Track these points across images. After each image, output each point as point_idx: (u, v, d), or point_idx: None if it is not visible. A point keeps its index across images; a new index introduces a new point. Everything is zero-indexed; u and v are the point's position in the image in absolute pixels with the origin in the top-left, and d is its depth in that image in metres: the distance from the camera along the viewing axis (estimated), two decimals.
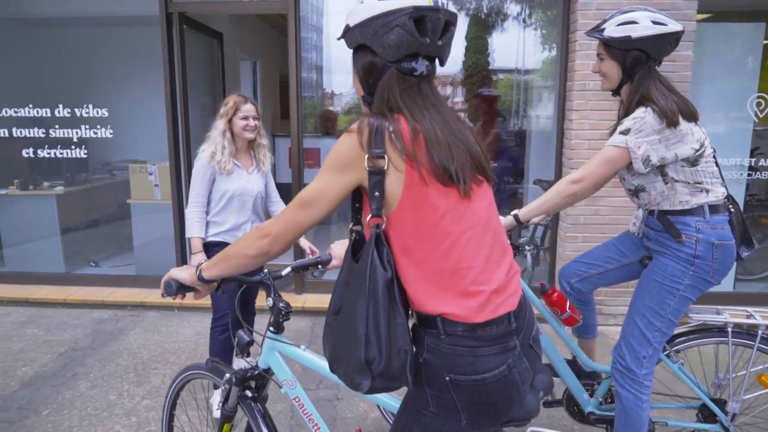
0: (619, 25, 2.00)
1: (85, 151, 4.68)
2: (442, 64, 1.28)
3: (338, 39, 1.30)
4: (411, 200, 1.16)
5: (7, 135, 4.66)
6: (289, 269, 1.82)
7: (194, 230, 2.70)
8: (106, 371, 3.41)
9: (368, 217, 1.20)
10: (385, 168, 1.15)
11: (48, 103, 4.57)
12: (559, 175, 4.36)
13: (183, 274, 1.54)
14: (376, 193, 1.16)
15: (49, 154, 4.67)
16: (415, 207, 1.16)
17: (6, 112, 4.61)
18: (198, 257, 2.66)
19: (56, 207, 4.96)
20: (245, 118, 2.67)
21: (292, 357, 1.81)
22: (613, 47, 2.03)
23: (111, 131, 4.59)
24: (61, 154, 4.66)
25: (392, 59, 1.19)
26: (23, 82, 4.77)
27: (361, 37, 1.21)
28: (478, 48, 4.96)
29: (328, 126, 5.45)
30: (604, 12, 3.78)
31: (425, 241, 1.17)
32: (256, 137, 2.78)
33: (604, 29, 2.04)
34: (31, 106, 4.59)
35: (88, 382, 3.26)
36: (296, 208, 1.24)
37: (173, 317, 4.34)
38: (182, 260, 4.67)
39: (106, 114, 4.56)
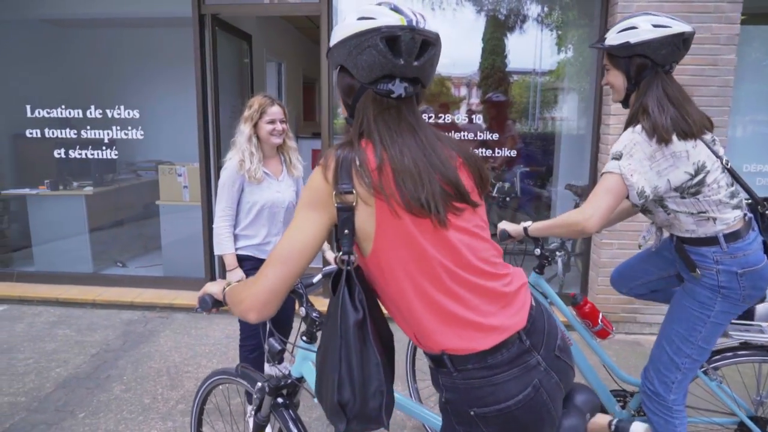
0: (619, 32, 1.88)
1: (116, 152, 4.69)
2: (423, 85, 1.21)
3: (326, 57, 1.26)
4: (388, 234, 1.10)
5: (39, 135, 4.69)
6: (320, 276, 1.85)
7: (226, 246, 2.54)
8: (139, 374, 3.40)
9: (338, 254, 1.14)
10: (354, 204, 1.09)
11: (80, 104, 4.59)
12: (593, 181, 4.28)
13: (216, 288, 1.53)
14: (346, 231, 1.10)
15: (80, 155, 4.69)
16: (393, 241, 1.10)
17: (38, 113, 4.64)
18: (235, 273, 2.53)
19: (85, 207, 4.98)
20: (272, 121, 2.47)
21: None
22: (615, 56, 1.91)
23: (142, 132, 4.60)
24: (92, 155, 4.68)
25: (367, 81, 1.14)
26: (56, 83, 4.81)
27: (339, 58, 1.17)
28: (494, 49, 4.88)
29: None
30: None
31: (411, 275, 1.11)
32: (285, 140, 2.59)
33: (605, 39, 1.94)
34: (63, 107, 4.61)
35: (122, 385, 3.25)
36: (273, 265, 1.15)
37: (202, 319, 4.33)
38: (210, 263, 4.66)
39: (138, 115, 4.57)
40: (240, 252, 2.58)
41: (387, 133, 1.14)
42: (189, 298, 4.53)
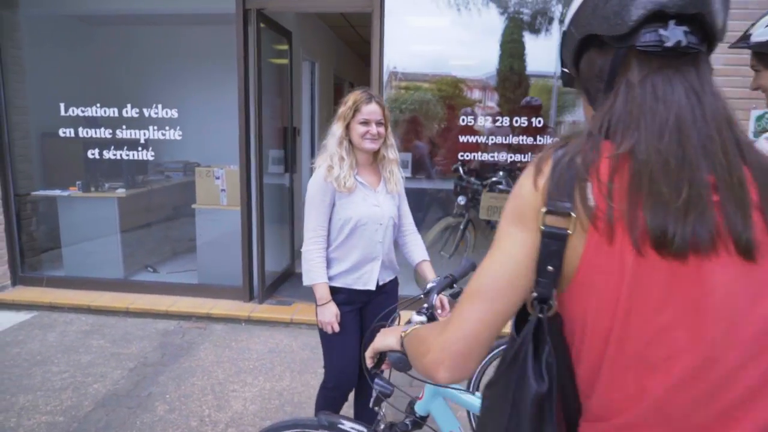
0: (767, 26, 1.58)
1: (152, 153, 4.48)
2: (714, 33, 0.77)
3: (562, 69, 0.91)
4: (590, 267, 0.76)
5: (72, 135, 4.49)
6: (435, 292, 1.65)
7: (317, 274, 2.10)
8: (182, 392, 3.17)
9: (531, 297, 0.80)
10: (570, 231, 0.75)
11: (116, 102, 4.39)
12: None
13: (391, 340, 1.16)
14: (550, 267, 0.77)
15: (114, 155, 4.48)
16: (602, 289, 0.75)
17: (72, 111, 4.44)
18: (328, 309, 2.11)
19: (117, 210, 4.78)
20: (365, 122, 2.04)
21: (463, 404, 1.54)
22: (766, 54, 1.61)
23: (180, 133, 4.38)
24: (127, 155, 4.47)
25: (625, 30, 0.76)
26: (92, 81, 4.63)
27: (580, 30, 0.83)
28: (515, 52, 4.62)
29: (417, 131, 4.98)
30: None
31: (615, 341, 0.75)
32: (381, 149, 2.14)
33: (750, 35, 1.64)
34: (98, 105, 4.41)
35: (165, 405, 3.02)
36: (473, 301, 0.82)
37: (241, 331, 4.10)
38: (249, 271, 4.43)
39: (176, 115, 4.36)
40: (333, 283, 2.15)
41: (642, 113, 0.75)
42: (226, 307, 4.31)
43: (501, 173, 4.45)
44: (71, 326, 4.11)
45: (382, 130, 2.09)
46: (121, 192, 4.73)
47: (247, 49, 4.16)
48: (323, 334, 2.19)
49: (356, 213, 2.09)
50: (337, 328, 2.13)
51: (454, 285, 1.67)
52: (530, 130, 4.27)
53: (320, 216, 2.10)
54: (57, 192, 4.75)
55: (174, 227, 5.32)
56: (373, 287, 2.18)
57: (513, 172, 4.47)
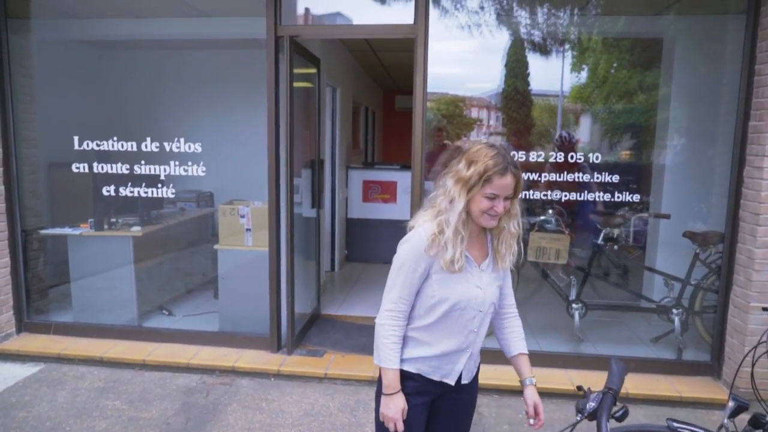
0: None
1: (173, 191, 4.13)
2: None
3: None
4: None
5: (86, 170, 4.15)
6: None
7: (390, 358, 1.71)
8: None
9: None
10: None
11: (135, 136, 4.06)
12: (734, 232, 3.65)
13: None
14: None
15: (131, 192, 4.13)
16: None
17: (87, 145, 4.11)
18: (394, 401, 1.71)
19: (132, 249, 4.42)
20: (493, 197, 1.63)
21: None
22: None
23: (204, 168, 4.04)
24: (145, 192, 4.13)
25: None
26: (108, 112, 4.32)
27: None
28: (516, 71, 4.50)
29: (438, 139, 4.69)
30: None
31: None
32: (501, 218, 1.71)
33: None
34: (115, 139, 4.08)
35: None
36: None
37: (271, 387, 3.71)
38: (277, 319, 4.05)
39: (199, 149, 4.02)
40: (406, 367, 1.76)
41: None
42: (253, 359, 3.92)
43: (550, 212, 4.11)
44: (83, 382, 3.72)
45: (508, 204, 1.68)
46: (136, 230, 4.38)
47: (277, 78, 3.85)
48: (381, 427, 1.78)
49: (455, 294, 1.69)
50: (401, 427, 1.71)
51: (616, 402, 1.31)
52: (569, 166, 3.97)
53: (407, 288, 1.70)
54: (67, 230, 4.40)
55: (191, 266, 4.97)
56: (452, 382, 1.79)
57: (561, 209, 4.15)
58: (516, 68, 4.56)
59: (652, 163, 4.69)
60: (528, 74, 4.58)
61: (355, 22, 4.19)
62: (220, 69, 4.70)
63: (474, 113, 5.05)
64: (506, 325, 1.90)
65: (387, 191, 7.08)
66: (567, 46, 4.53)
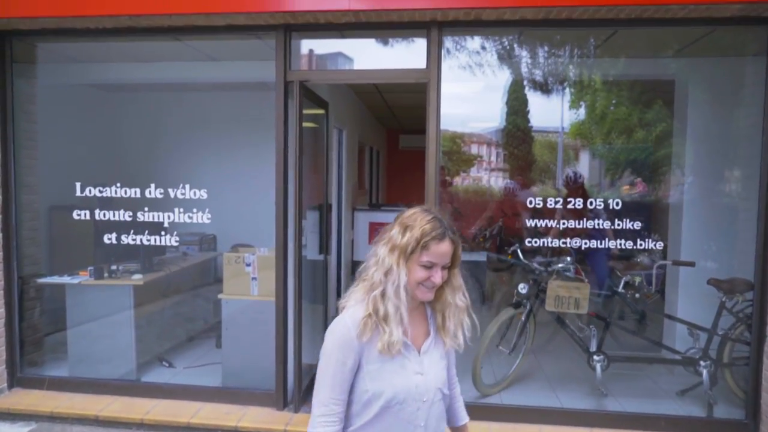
0: None
1: (176, 239, 3.99)
2: None
3: None
4: None
5: (87, 217, 4.01)
6: None
7: None
8: None
9: None
10: None
11: (139, 182, 3.95)
12: (765, 280, 3.47)
13: None
14: None
15: (133, 240, 3.98)
16: None
17: (90, 191, 3.99)
18: None
19: (132, 298, 4.25)
20: (429, 266, 1.44)
21: None
22: None
23: (209, 215, 3.91)
24: (148, 240, 3.98)
25: None
26: (112, 157, 4.22)
27: None
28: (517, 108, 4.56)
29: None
30: None
31: None
32: (444, 290, 1.53)
33: None
34: (118, 185, 3.96)
35: None
36: None
37: None
38: (283, 373, 3.84)
39: (205, 195, 3.90)
40: None
41: None
42: (258, 417, 3.69)
43: (568, 259, 3.95)
44: None
45: (445, 274, 1.49)
46: (137, 278, 4.21)
47: (286, 124, 3.76)
48: None
49: (391, 386, 1.44)
50: None
51: None
52: (586, 212, 3.84)
53: (338, 385, 1.43)
54: (66, 279, 4.23)
55: (193, 312, 4.79)
56: None
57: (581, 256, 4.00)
58: (516, 106, 4.60)
59: (668, 205, 4.58)
60: (528, 112, 4.59)
61: (363, 66, 4.12)
62: (227, 112, 4.65)
63: (487, 150, 5.07)
64: (454, 412, 1.74)
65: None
66: (579, 88, 4.51)
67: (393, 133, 12.01)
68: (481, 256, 6.22)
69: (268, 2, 3.36)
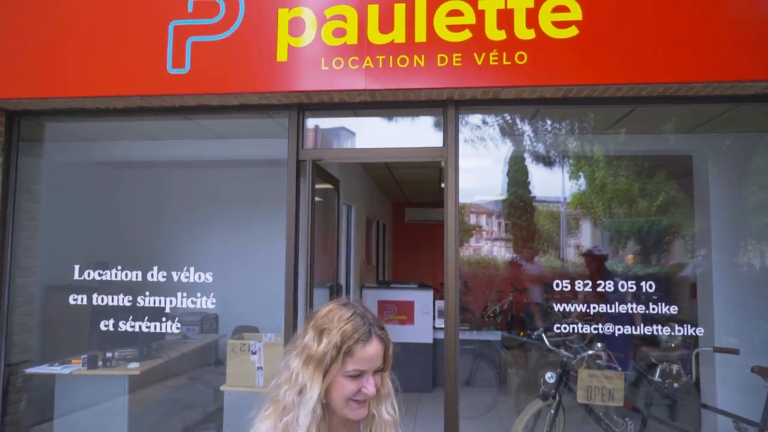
0: None
1: (177, 325, 3.73)
2: None
3: None
4: None
5: (84, 302, 3.78)
6: None
7: None
8: None
9: None
10: None
11: (141, 264, 3.75)
12: None
13: None
14: None
15: (132, 327, 3.73)
16: None
17: (89, 275, 3.78)
18: None
19: (127, 388, 3.93)
20: (357, 375, 1.22)
21: None
22: None
23: (213, 300, 3.68)
24: (148, 327, 3.72)
25: None
26: (115, 238, 4.05)
27: None
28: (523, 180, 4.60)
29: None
30: None
31: None
32: (376, 407, 1.29)
33: None
34: (119, 268, 3.76)
35: None
36: None
37: None
38: None
39: (210, 279, 3.68)
40: None
41: None
42: None
43: (599, 345, 3.68)
44: None
45: (379, 379, 1.26)
46: (133, 367, 3.92)
47: (298, 202, 3.61)
48: None
49: None
50: None
51: None
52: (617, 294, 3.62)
53: None
54: (56, 369, 3.94)
55: (191, 399, 4.44)
56: None
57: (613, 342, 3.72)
58: (520, 178, 4.54)
59: (695, 285, 4.37)
60: (529, 184, 4.57)
61: (374, 143, 4.04)
62: (235, 189, 4.55)
63: (497, 222, 4.99)
64: None
65: (404, 312, 6.65)
66: (595, 163, 4.44)
67: (398, 206, 11.97)
68: (493, 335, 5.92)
69: (282, 82, 3.31)
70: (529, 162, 4.53)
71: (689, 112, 3.87)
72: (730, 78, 3.01)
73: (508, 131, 4.16)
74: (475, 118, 3.91)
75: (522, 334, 5.35)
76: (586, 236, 4.73)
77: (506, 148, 4.32)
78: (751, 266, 4.17)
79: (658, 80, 3.07)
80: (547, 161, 4.47)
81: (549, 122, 4.18)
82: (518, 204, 4.84)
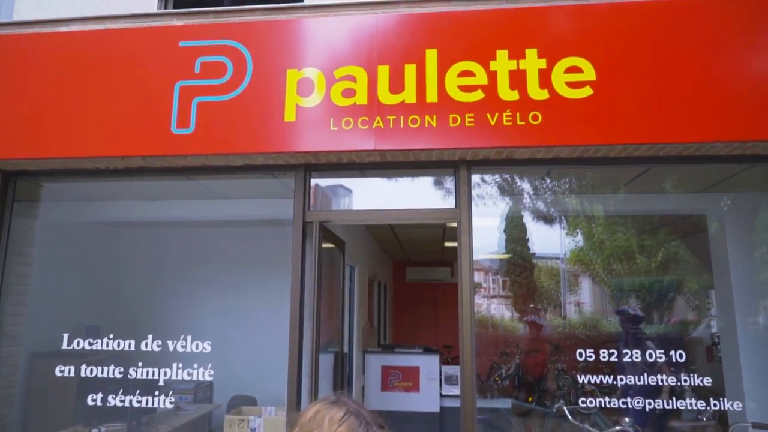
0: None
1: (171, 399, 3.46)
2: None
3: None
4: None
5: (71, 374, 3.52)
6: None
7: None
8: None
9: None
10: None
11: (134, 332, 3.52)
12: None
13: None
14: None
15: (122, 402, 3.45)
16: None
17: (78, 344, 3.54)
18: None
19: None
20: None
21: None
22: None
23: (211, 372, 3.42)
24: (139, 402, 3.44)
25: None
26: (108, 304, 3.82)
27: None
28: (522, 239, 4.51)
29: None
30: None
31: None
32: None
33: None
34: (111, 336, 3.52)
35: None
36: None
37: None
38: None
39: (208, 348, 3.44)
40: None
41: None
42: None
43: (627, 419, 3.40)
44: None
45: None
46: None
47: (303, 265, 3.43)
48: None
49: None
50: None
51: None
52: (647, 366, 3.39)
53: None
54: None
55: None
56: None
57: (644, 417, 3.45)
58: (519, 236, 4.42)
59: (719, 349, 4.15)
60: (527, 240, 4.47)
61: (381, 204, 3.90)
62: (236, 251, 4.38)
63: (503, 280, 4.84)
64: None
65: (409, 378, 6.33)
66: (607, 222, 4.33)
67: (399, 264, 11.76)
68: (503, 403, 5.59)
69: (290, 143, 3.22)
70: (531, 219, 4.42)
71: (704, 171, 3.78)
72: (752, 138, 2.93)
73: (516, 190, 4.06)
74: (486, 178, 3.81)
75: (530, 399, 5.06)
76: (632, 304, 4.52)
77: (512, 206, 4.21)
78: None
79: (679, 140, 2.98)
80: (548, 219, 4.36)
81: (560, 181, 4.09)
82: (518, 261, 4.70)
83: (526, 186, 4.09)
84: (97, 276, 4.27)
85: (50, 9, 3.98)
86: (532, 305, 4.98)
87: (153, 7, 4.05)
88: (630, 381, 3.25)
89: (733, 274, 4.09)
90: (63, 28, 3.60)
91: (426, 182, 3.77)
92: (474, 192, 3.53)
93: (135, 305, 4.06)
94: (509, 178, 4.02)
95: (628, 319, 4.01)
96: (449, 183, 3.54)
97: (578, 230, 4.43)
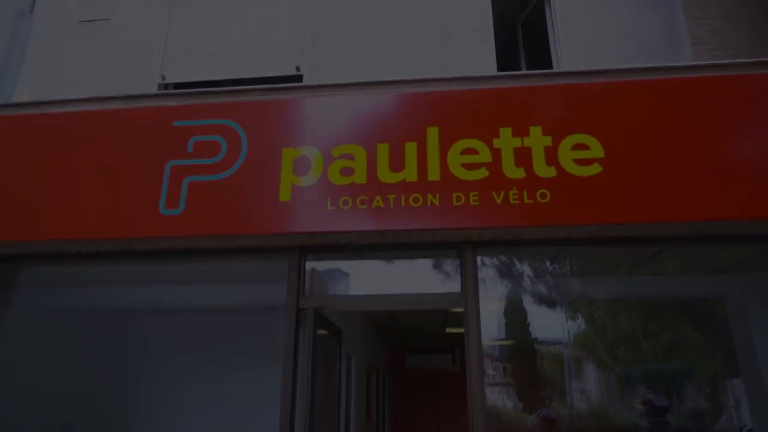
0: None
1: None
2: None
3: None
4: None
5: None
6: None
7: None
8: None
9: None
10: None
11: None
12: None
13: None
14: None
15: None
16: None
17: None
18: None
19: None
20: None
21: None
22: None
23: None
24: None
25: None
26: (83, 400, 3.46)
27: None
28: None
29: None
30: None
31: None
32: None
33: None
34: None
35: None
36: None
37: None
38: None
39: None
40: None
41: None
42: None
43: None
44: None
45: None
46: None
47: (296, 357, 3.13)
48: None
49: None
50: None
51: None
52: None
53: None
54: None
55: None
56: None
57: None
58: (520, 321, 4.17)
59: None
60: (528, 324, 4.11)
61: (381, 289, 3.64)
62: (223, 338, 4.07)
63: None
64: None
65: None
66: (619, 306, 4.09)
67: (398, 351, 11.21)
68: None
69: (285, 223, 3.03)
70: (534, 303, 4.17)
71: (723, 252, 3.59)
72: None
73: (517, 272, 3.84)
74: (486, 260, 3.60)
75: None
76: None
77: (511, 288, 3.96)
78: None
79: (698, 218, 2.81)
80: (550, 302, 4.11)
81: (563, 263, 3.88)
82: (518, 347, 4.36)
83: (526, 269, 3.87)
84: (74, 368, 3.93)
85: (49, 90, 3.95)
86: (539, 395, 4.59)
87: (153, 88, 4.03)
88: None
89: (762, 361, 3.78)
90: (57, 109, 3.53)
91: (428, 264, 3.55)
92: (485, 274, 3.32)
93: (114, 400, 3.71)
94: (507, 261, 3.82)
95: (653, 409, 3.70)
96: (450, 265, 3.32)
97: (604, 317, 4.18)
